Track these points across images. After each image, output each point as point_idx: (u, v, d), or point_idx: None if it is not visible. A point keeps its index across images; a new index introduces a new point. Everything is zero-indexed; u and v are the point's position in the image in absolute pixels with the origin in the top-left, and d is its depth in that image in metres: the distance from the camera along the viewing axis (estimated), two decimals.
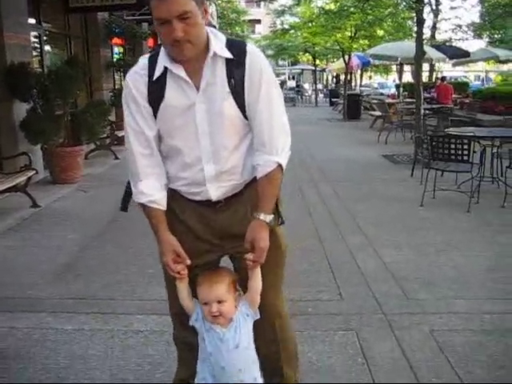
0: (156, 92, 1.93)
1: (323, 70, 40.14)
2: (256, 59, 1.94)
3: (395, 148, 11.16)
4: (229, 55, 1.90)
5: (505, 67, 37.26)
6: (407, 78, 26.77)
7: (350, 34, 17.78)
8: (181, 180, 2.06)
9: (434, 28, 22.52)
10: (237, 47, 1.94)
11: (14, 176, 6.26)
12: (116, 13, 12.25)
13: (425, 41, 20.57)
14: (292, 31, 24.07)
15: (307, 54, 30.97)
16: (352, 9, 12.88)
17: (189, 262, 1.99)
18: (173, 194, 2.09)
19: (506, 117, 9.37)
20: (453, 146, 6.09)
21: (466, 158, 6.09)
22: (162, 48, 1.92)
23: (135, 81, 1.96)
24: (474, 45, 27.61)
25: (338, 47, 19.68)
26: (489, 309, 3.53)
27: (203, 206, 2.07)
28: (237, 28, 36.26)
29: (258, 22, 50.51)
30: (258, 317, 2.07)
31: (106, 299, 3.75)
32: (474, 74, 46.10)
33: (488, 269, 4.26)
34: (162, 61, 1.91)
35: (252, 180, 2.07)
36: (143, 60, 2.00)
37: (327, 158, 10.21)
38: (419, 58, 9.76)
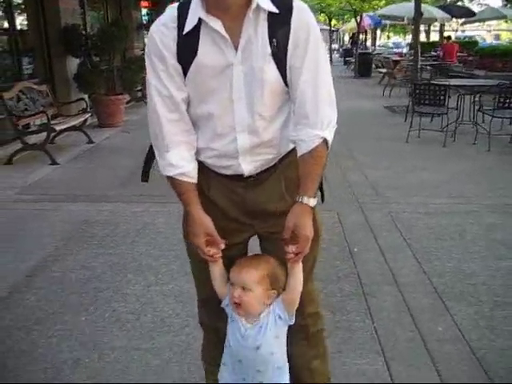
0: (187, 48, 1.65)
1: (337, 30, 40.87)
2: (304, 17, 1.66)
3: (397, 100, 12.41)
4: (274, 9, 1.62)
5: None
6: (424, 37, 27.77)
7: None
8: (209, 151, 1.79)
9: None
10: (281, 1, 1.64)
11: (74, 117, 7.72)
12: None
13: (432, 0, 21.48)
14: None
15: (323, 14, 31.75)
16: None
17: (223, 245, 1.76)
18: (199, 166, 1.82)
19: (489, 72, 10.56)
20: (432, 93, 7.41)
21: (443, 103, 7.42)
22: None
23: (162, 34, 1.66)
24: (492, 3, 28.19)
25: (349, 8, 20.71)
26: (435, 201, 4.97)
27: (232, 181, 1.82)
28: None
29: None
30: (293, 322, 1.80)
31: (161, 195, 5.17)
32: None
33: (443, 181, 5.66)
34: (196, 11, 1.62)
35: (287, 153, 1.83)
36: (171, 10, 1.68)
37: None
38: (417, 17, 10.94)
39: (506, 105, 7.05)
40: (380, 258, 3.75)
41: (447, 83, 7.55)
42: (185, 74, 1.67)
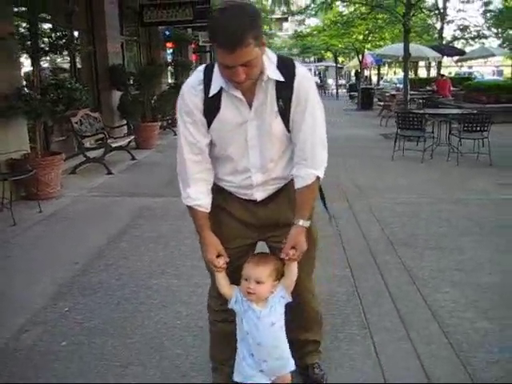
0: (211, 106, 2.03)
1: (342, 67, 43.18)
2: (303, 82, 2.04)
3: (392, 129, 13.98)
4: (281, 78, 1.99)
5: None
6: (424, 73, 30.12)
7: (361, 38, 20.92)
8: (229, 182, 2.23)
9: (441, 30, 25.40)
10: (287, 68, 2.02)
11: (122, 139, 9.53)
12: None
13: (426, 42, 23.53)
14: (315, 32, 27.05)
15: (329, 52, 33.92)
16: (356, 20, 16.06)
17: (228, 259, 2.18)
18: (218, 188, 2.26)
19: (471, 104, 12.35)
20: (411, 120, 9.16)
21: (420, 127, 9.16)
22: (217, 65, 1.93)
23: (191, 95, 2.05)
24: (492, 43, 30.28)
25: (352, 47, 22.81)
26: (403, 196, 6.65)
27: (246, 201, 2.26)
28: (265, 26, 39.11)
29: (286, 19, 53.18)
30: (291, 300, 2.22)
31: None
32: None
33: (413, 184, 7.36)
34: (218, 80, 1.99)
35: (290, 180, 2.25)
36: (199, 74, 2.06)
37: (337, 135, 13.14)
38: (406, 58, 12.84)
39: (470, 128, 8.75)
40: (355, 225, 5.44)
41: (422, 112, 9.30)
42: (209, 125, 2.08)
